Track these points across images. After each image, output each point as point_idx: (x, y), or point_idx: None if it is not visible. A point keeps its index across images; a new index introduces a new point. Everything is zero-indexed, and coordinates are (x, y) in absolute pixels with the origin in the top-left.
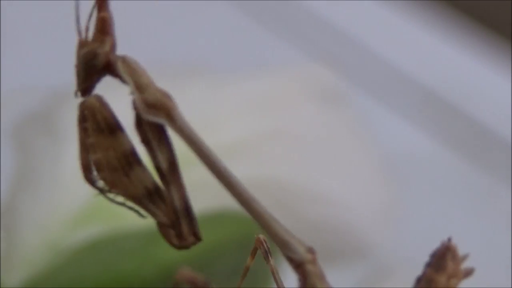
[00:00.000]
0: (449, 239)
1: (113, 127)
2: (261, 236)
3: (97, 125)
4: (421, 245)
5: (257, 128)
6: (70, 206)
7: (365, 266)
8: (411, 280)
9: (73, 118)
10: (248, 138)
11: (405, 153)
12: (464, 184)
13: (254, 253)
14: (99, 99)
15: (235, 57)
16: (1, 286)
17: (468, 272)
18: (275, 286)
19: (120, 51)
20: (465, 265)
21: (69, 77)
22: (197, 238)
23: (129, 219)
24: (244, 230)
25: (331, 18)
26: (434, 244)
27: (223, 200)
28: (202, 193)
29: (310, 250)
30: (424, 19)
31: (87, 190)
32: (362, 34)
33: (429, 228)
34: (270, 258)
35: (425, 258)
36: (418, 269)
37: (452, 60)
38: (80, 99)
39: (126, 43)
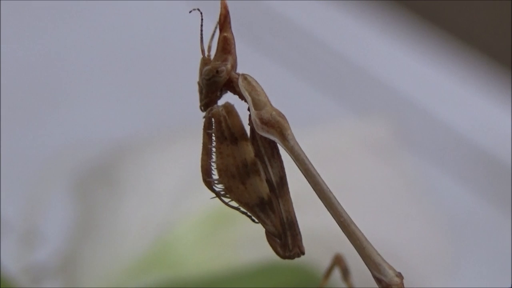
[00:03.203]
0: None
1: (236, 136)
2: (339, 254)
3: (221, 132)
4: None
5: None
6: (130, 256)
7: None
8: None
9: (132, 169)
10: (304, 191)
11: (454, 209)
12: None
13: (330, 271)
14: (228, 108)
15: (288, 113)
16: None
17: None
18: None
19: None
20: None
21: (128, 130)
22: (301, 251)
23: (189, 267)
24: (296, 279)
25: (386, 76)
26: None
27: None
28: (258, 245)
29: (399, 275)
30: (474, 79)
31: (147, 239)
32: (414, 91)
33: (480, 283)
34: (349, 276)
35: None
36: None
37: (505, 121)
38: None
39: (176, 108)
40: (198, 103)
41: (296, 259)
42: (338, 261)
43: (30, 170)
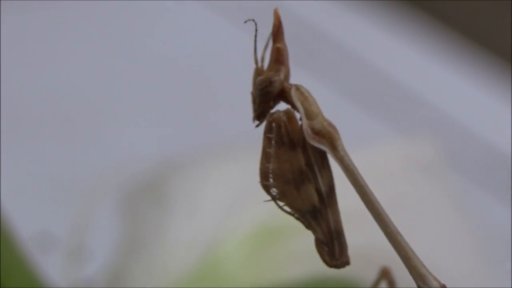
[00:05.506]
0: None
1: (294, 143)
2: (386, 267)
3: (280, 138)
4: None
5: (359, 199)
6: (178, 272)
7: None
8: None
9: (180, 186)
10: (351, 209)
11: (500, 230)
12: None
13: (376, 284)
14: (289, 114)
15: None
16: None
17: None
18: None
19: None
20: None
21: (176, 146)
22: (347, 261)
23: (236, 283)
24: None
25: (430, 95)
26: None
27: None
28: (305, 261)
29: (443, 287)
30: None
31: (195, 256)
32: (459, 110)
33: None
34: None
35: None
36: None
37: None
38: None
39: (223, 125)
40: (249, 117)
41: (344, 276)
42: (385, 274)
43: (78, 186)
